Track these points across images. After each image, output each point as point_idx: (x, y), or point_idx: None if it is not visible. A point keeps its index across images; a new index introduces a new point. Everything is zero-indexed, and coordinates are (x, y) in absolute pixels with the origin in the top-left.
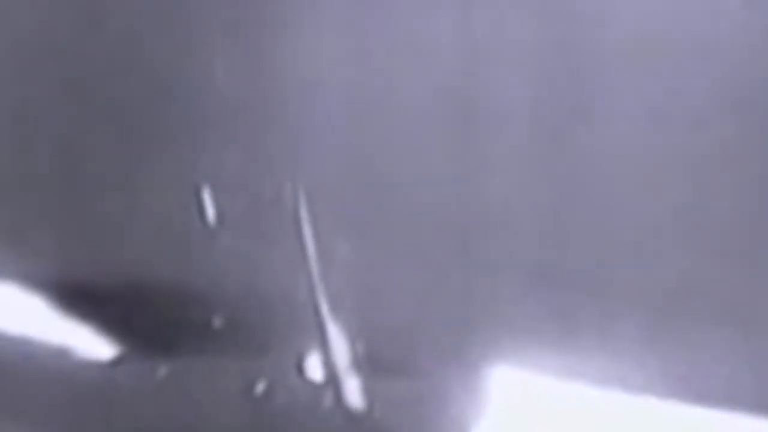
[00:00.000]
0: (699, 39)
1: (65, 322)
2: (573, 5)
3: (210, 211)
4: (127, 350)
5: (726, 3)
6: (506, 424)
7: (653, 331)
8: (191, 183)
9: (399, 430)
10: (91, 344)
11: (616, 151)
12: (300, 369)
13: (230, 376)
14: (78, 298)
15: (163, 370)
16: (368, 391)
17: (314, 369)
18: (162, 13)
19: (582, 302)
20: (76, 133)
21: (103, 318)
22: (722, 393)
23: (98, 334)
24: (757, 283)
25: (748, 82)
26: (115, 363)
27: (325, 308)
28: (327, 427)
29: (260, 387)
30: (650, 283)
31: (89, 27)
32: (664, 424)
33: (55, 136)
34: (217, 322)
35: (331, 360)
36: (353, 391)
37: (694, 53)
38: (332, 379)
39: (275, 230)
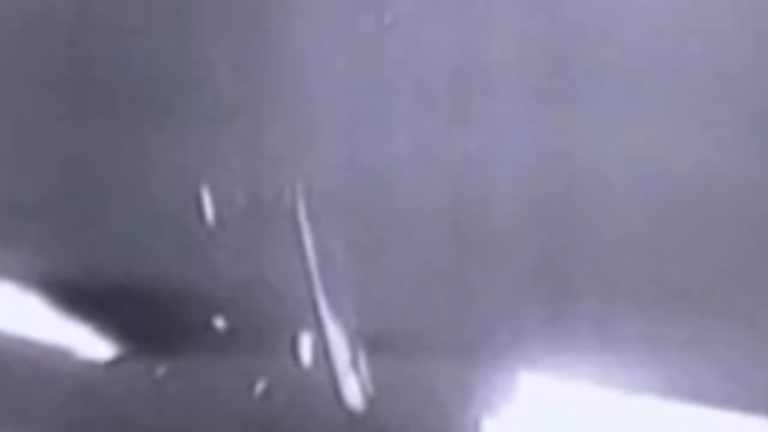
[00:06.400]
0: (699, 36)
1: (65, 322)
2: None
3: (210, 211)
4: (127, 350)
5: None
6: (505, 424)
7: (653, 331)
8: (191, 183)
9: (399, 430)
10: (91, 344)
11: (617, 151)
12: (299, 369)
13: (230, 376)
14: (78, 298)
15: (163, 370)
16: (368, 391)
17: (314, 369)
18: (162, 14)
19: (582, 302)
20: (76, 133)
21: (103, 318)
22: (722, 393)
23: (98, 334)
24: (757, 283)
25: (752, 83)
26: (115, 363)
27: (324, 308)
28: (327, 427)
29: (260, 387)
30: (650, 283)
31: (88, 26)
32: (664, 424)
33: (55, 136)
34: (217, 322)
35: (331, 360)
36: (352, 391)
37: (694, 50)
38: (332, 379)
39: (275, 230)
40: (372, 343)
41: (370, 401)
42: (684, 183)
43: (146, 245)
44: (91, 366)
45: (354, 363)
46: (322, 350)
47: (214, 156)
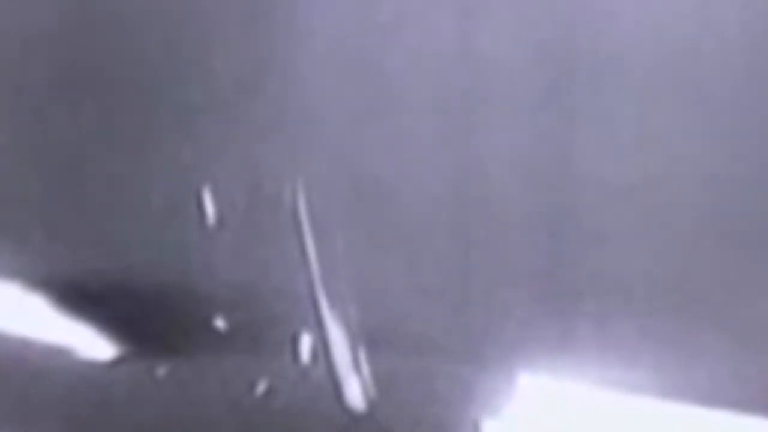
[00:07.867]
0: (703, 35)
1: (65, 322)
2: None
3: (210, 211)
4: (127, 350)
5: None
6: (506, 424)
7: (653, 332)
8: (191, 183)
9: (399, 430)
10: (91, 344)
11: (615, 150)
12: (300, 369)
13: (230, 376)
14: (78, 298)
15: (163, 370)
16: (368, 391)
17: (314, 369)
18: (161, 12)
19: (581, 302)
20: (75, 133)
21: (103, 318)
22: (722, 393)
23: (98, 334)
24: (756, 283)
25: (751, 80)
26: (115, 363)
27: (325, 308)
28: (327, 427)
29: (260, 387)
30: (650, 284)
31: (87, 25)
32: (664, 424)
33: (54, 136)
34: (217, 321)
35: (332, 360)
36: (353, 391)
37: (698, 49)
38: (333, 379)
39: (275, 230)
40: (373, 343)
41: (371, 401)
42: (684, 183)
43: (146, 245)
44: (91, 366)
45: (355, 363)
46: (323, 350)
47: (215, 156)
